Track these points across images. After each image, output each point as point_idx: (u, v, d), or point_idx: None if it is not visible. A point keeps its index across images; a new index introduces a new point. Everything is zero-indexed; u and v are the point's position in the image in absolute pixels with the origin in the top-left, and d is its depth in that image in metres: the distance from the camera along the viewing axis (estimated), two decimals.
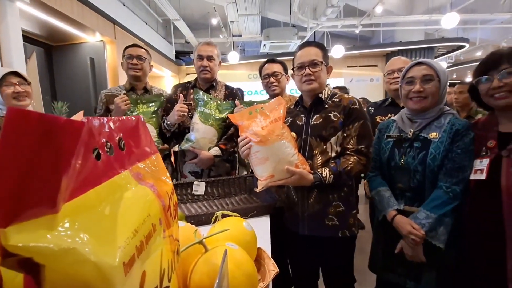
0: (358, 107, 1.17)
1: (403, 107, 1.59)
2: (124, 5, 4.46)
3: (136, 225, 0.26)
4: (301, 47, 1.24)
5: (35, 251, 0.17)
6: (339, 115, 1.17)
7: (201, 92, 1.58)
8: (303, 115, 1.26)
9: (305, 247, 1.25)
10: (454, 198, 1.00)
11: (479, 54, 8.68)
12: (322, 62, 1.19)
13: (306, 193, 1.19)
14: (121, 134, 0.33)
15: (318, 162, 1.17)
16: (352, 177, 1.15)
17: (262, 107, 1.12)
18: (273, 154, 1.07)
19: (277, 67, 1.76)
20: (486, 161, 0.96)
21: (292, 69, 1.28)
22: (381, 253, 1.24)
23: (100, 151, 0.28)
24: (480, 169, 0.96)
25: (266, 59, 1.84)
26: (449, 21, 4.74)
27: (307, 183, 1.09)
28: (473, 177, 0.99)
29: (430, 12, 5.96)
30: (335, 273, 1.25)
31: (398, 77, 1.59)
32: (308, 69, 1.18)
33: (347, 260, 1.25)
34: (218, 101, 1.61)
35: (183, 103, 1.57)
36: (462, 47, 7.22)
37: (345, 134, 1.16)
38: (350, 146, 1.14)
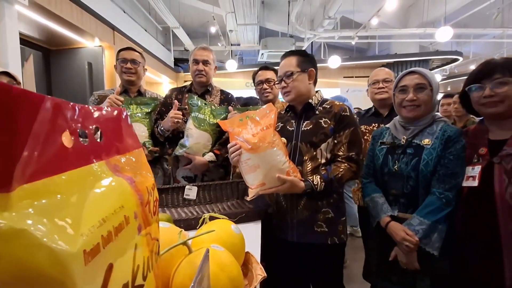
0: (349, 114, 1.17)
1: (386, 117, 1.62)
2: (124, 12, 4.51)
3: (104, 214, 0.25)
4: (281, 59, 1.26)
5: None
6: (329, 122, 1.17)
7: (195, 97, 1.58)
8: (293, 121, 1.25)
9: (294, 254, 1.23)
10: (447, 204, 1.00)
11: (472, 67, 8.84)
12: (297, 71, 1.18)
13: (296, 199, 1.18)
14: (99, 124, 0.32)
15: (308, 168, 1.16)
16: (343, 184, 1.15)
17: (253, 114, 1.12)
18: (264, 161, 1.05)
19: (270, 74, 1.78)
20: (478, 168, 0.96)
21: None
22: (376, 260, 1.22)
23: (72, 137, 0.27)
24: (472, 176, 0.96)
25: (260, 66, 1.86)
26: (443, 35, 4.87)
27: (299, 191, 1.08)
28: (465, 183, 0.98)
29: (424, 25, 6.11)
30: (324, 281, 1.22)
31: (383, 87, 1.62)
32: (284, 82, 1.20)
33: (336, 267, 1.22)
34: (213, 106, 1.60)
35: (178, 108, 1.57)
36: (456, 60, 7.38)
37: (335, 141, 1.16)
38: (340, 153, 1.14)
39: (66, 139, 0.25)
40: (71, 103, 0.25)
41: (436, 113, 1.18)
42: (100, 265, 0.23)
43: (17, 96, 0.17)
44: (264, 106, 1.14)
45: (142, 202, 0.34)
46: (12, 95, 0.17)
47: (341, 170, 1.11)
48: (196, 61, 1.63)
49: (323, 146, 1.16)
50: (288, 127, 1.25)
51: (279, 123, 1.30)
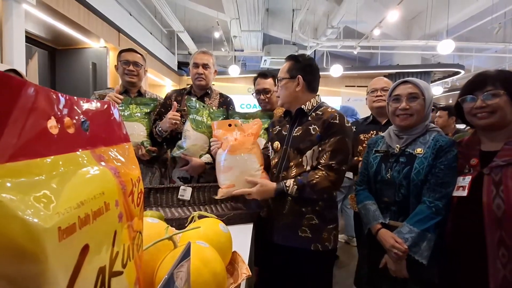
0: (338, 122, 1.13)
1: (384, 125, 1.63)
2: (130, 15, 4.58)
3: (83, 198, 0.26)
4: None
5: None
6: (318, 129, 1.15)
7: (193, 99, 1.60)
8: (288, 126, 1.27)
9: (282, 258, 1.23)
10: (437, 213, 1.00)
11: None
12: (285, 78, 1.20)
13: (281, 203, 1.19)
14: (87, 116, 0.34)
15: (292, 174, 1.17)
16: (317, 192, 1.10)
17: (241, 124, 1.24)
18: (238, 165, 1.14)
19: (268, 84, 1.75)
20: (468, 178, 0.96)
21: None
22: (366, 268, 1.22)
23: (58, 125, 0.28)
24: (462, 185, 0.97)
25: (259, 72, 1.82)
26: (445, 48, 4.91)
27: (271, 192, 1.12)
28: (455, 193, 0.99)
29: (426, 38, 6.17)
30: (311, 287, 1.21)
31: (381, 95, 1.64)
32: (278, 85, 1.25)
33: (321, 275, 1.20)
34: (211, 109, 1.62)
35: (177, 109, 1.59)
36: (457, 73, 7.41)
37: (320, 149, 1.14)
38: (322, 161, 1.12)
39: (52, 126, 0.27)
40: (57, 93, 0.27)
41: (430, 123, 1.19)
42: (75, 244, 0.24)
43: None
44: (252, 121, 1.26)
45: (125, 192, 0.36)
46: None
47: (316, 177, 1.09)
48: (196, 65, 1.66)
49: (308, 153, 1.15)
50: (283, 131, 1.27)
51: (277, 127, 1.32)
